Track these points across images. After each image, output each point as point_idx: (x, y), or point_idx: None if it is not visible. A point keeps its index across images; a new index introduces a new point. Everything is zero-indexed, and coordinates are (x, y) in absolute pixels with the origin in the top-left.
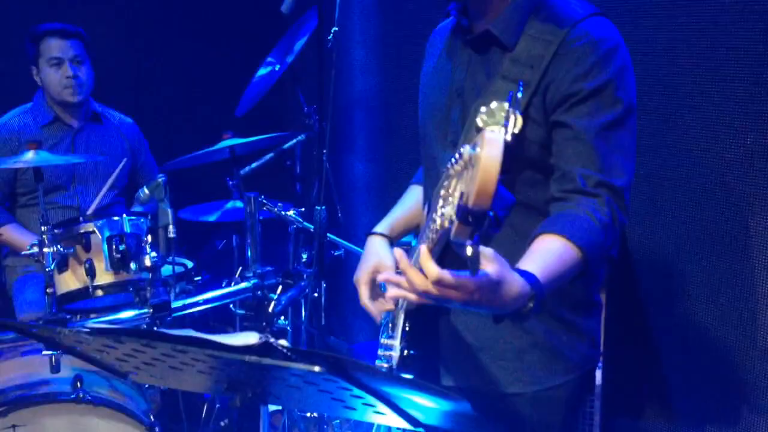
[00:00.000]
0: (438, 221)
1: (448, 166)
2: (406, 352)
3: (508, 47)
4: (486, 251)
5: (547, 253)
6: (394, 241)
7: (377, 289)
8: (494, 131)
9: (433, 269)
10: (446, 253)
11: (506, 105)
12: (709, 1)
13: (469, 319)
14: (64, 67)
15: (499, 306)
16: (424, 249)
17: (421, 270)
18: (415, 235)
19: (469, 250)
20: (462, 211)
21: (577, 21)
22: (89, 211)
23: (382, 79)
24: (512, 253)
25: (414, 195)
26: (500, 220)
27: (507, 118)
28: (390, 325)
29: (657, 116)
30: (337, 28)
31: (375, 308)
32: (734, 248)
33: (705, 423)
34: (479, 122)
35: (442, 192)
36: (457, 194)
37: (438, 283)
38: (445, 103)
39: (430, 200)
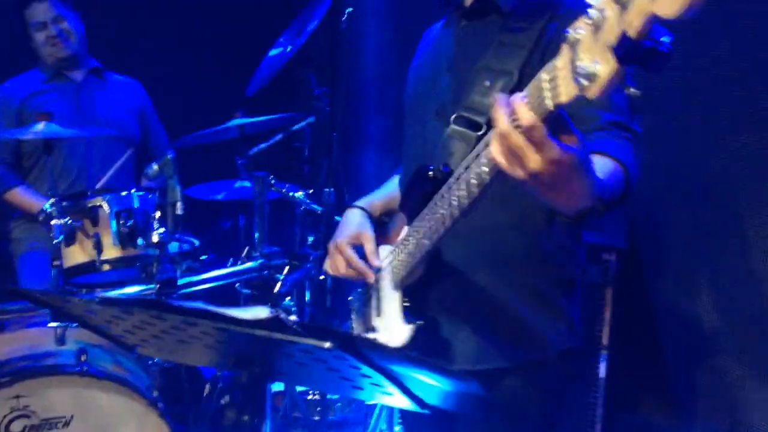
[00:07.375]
0: (553, 91)
1: (567, 33)
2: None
3: (504, 11)
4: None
5: (604, 170)
6: (373, 218)
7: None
8: None
9: (530, 114)
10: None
11: None
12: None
13: (449, 290)
14: (48, 29)
15: (567, 198)
16: (519, 100)
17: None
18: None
19: (631, 90)
20: (626, 45)
21: None
22: (98, 185)
23: (395, 63)
24: (492, 219)
25: (395, 183)
26: (667, 54)
27: None
28: (364, 305)
29: (669, 112)
30: (351, 9)
31: (347, 273)
32: (743, 245)
33: (707, 417)
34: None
35: (544, 74)
36: (606, 38)
37: (529, 130)
38: (434, 75)
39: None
